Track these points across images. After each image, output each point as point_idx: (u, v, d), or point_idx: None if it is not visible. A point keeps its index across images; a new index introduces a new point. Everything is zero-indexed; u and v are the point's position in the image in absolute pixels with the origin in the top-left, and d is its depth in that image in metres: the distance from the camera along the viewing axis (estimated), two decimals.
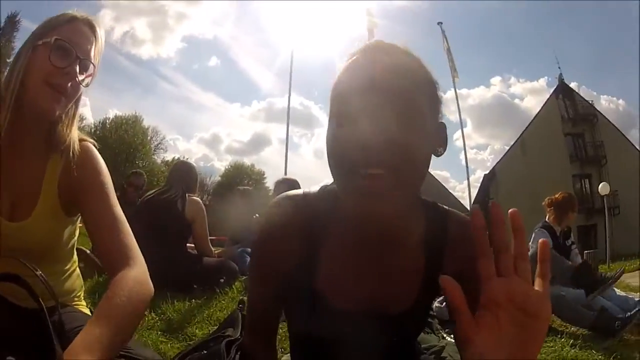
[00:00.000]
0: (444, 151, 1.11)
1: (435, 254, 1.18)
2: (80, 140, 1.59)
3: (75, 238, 1.74)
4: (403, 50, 1.07)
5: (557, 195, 4.96)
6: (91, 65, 1.53)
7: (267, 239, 1.21)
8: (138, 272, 1.34)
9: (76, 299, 1.76)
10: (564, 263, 4.11)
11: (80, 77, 1.49)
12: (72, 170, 1.52)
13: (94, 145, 1.64)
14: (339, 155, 0.98)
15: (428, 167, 1.05)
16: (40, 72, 1.44)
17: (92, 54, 1.53)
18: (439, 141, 1.10)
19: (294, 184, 5.00)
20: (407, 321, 1.18)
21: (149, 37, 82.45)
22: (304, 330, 1.22)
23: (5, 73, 1.50)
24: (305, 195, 1.21)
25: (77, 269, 1.80)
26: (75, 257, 1.78)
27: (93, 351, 1.04)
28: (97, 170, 1.57)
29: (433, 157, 1.08)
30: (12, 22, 34.43)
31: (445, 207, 1.25)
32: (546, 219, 4.91)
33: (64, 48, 1.46)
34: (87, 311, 1.77)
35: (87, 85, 1.54)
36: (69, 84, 1.46)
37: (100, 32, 1.58)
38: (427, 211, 1.22)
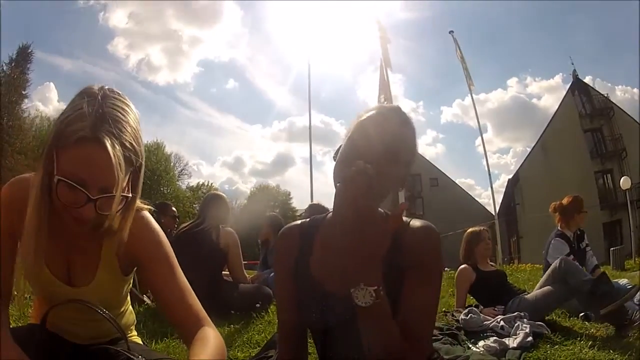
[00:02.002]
0: (402, 189, 1.61)
1: (395, 248, 1.47)
2: (137, 209, 1.57)
3: (130, 286, 1.81)
4: (406, 120, 1.54)
5: (562, 201, 5.09)
6: (114, 189, 1.34)
7: (278, 252, 1.68)
8: (215, 332, 1.47)
9: (129, 332, 1.91)
10: (583, 276, 4.12)
11: (102, 207, 1.36)
12: (130, 243, 1.54)
13: (150, 210, 1.65)
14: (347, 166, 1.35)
15: (388, 194, 1.50)
16: (58, 199, 1.35)
17: (113, 178, 1.32)
18: (402, 185, 1.54)
19: (321, 209, 5.29)
20: None
21: (164, 64, 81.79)
22: (309, 310, 1.55)
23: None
24: (302, 222, 1.69)
25: (130, 307, 1.94)
26: (128, 297, 1.89)
27: None
28: (157, 243, 1.60)
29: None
30: (25, 53, 34.28)
31: (408, 219, 1.54)
32: (558, 227, 5.02)
33: (71, 187, 1.31)
34: (140, 341, 1.97)
35: (118, 212, 1.43)
36: (85, 216, 1.36)
37: (117, 152, 1.31)
38: (388, 219, 1.51)
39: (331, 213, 1.62)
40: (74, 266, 1.59)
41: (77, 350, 1.67)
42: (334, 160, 1.52)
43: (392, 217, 1.38)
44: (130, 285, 1.82)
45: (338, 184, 1.40)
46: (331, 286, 1.51)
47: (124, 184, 1.37)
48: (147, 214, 1.64)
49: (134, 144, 1.37)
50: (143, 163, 1.46)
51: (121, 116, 1.36)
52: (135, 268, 1.70)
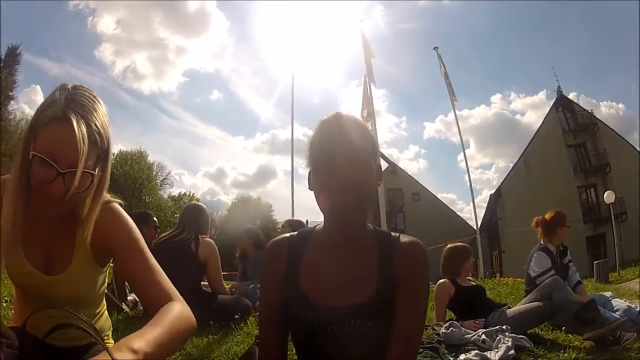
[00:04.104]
0: (381, 182, 1.66)
1: (385, 264, 1.58)
2: (107, 202, 1.70)
3: (105, 285, 1.92)
4: (355, 122, 1.62)
5: (545, 215, 5.10)
6: (79, 169, 1.46)
7: (266, 264, 1.72)
8: (182, 306, 1.52)
9: (106, 337, 1.95)
10: (572, 297, 4.14)
11: (70, 184, 1.47)
12: (103, 232, 1.66)
13: (120, 204, 1.76)
14: (324, 191, 1.53)
15: (375, 195, 1.63)
16: (32, 177, 1.49)
17: (79, 157, 1.45)
18: (378, 178, 1.62)
19: (299, 225, 5.74)
20: (368, 311, 1.52)
21: (149, 72, 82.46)
22: (295, 320, 1.62)
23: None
24: (291, 235, 1.73)
25: (106, 312, 2.00)
26: (104, 301, 1.97)
27: (149, 343, 1.24)
28: (127, 230, 1.71)
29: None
30: (13, 54, 33.90)
31: (397, 234, 1.65)
32: (541, 241, 5.02)
33: (44, 162, 1.45)
34: None
35: (84, 190, 1.53)
36: (56, 193, 1.48)
37: (82, 129, 1.47)
38: (378, 234, 1.66)
39: (319, 226, 1.71)
40: (51, 256, 1.69)
41: (55, 353, 1.70)
42: (308, 180, 1.63)
43: None
44: (106, 283, 1.93)
45: (326, 208, 1.55)
46: (320, 298, 1.56)
47: (90, 162, 1.51)
48: (116, 205, 1.75)
49: (99, 126, 1.53)
50: (110, 149, 1.61)
51: (89, 103, 1.54)
52: (109, 261, 1.84)
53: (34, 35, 59.79)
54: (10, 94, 33.65)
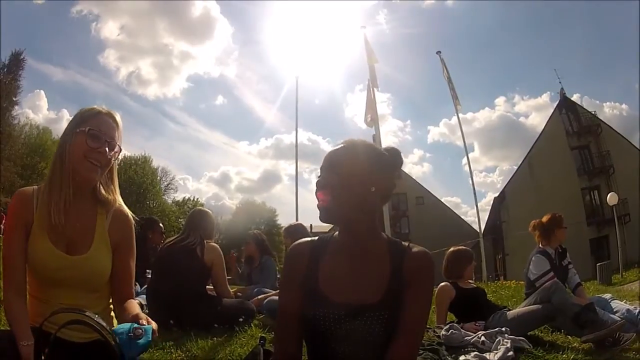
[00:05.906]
0: (387, 201, 1.91)
1: (396, 270, 1.74)
2: (121, 205, 2.22)
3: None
4: (367, 145, 1.82)
5: (542, 219, 5.15)
6: (117, 146, 2.12)
7: (289, 263, 1.88)
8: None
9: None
10: (571, 300, 4.19)
11: (110, 154, 2.08)
12: (116, 226, 2.18)
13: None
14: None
15: (360, 207, 1.74)
16: (80, 151, 2.02)
17: (116, 137, 2.12)
18: (384, 198, 1.83)
19: (298, 229, 6.16)
20: (378, 311, 1.68)
21: (154, 78, 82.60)
22: (310, 315, 1.73)
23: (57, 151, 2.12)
24: (312, 240, 1.91)
25: (113, 312, 2.26)
26: (110, 300, 2.24)
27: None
28: (132, 231, 2.24)
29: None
30: (17, 60, 34.22)
31: (407, 243, 1.82)
32: (540, 244, 5.07)
33: (96, 135, 2.05)
34: None
35: (115, 160, 2.16)
36: (101, 159, 2.05)
37: (119, 120, 2.16)
38: (391, 243, 1.82)
39: (337, 233, 1.87)
40: (73, 240, 2.07)
41: (72, 347, 2.00)
42: None
43: None
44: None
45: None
46: (335, 295, 1.73)
47: (118, 142, 2.13)
48: (127, 209, 2.25)
49: (122, 129, 2.18)
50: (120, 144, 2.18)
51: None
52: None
53: (38, 41, 60.01)
54: (14, 99, 33.71)
